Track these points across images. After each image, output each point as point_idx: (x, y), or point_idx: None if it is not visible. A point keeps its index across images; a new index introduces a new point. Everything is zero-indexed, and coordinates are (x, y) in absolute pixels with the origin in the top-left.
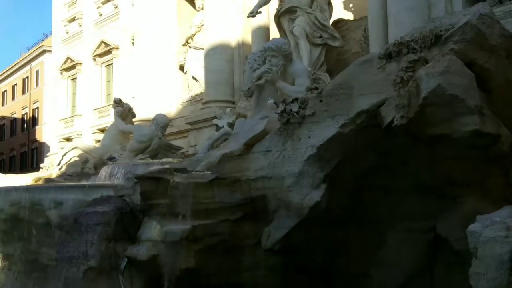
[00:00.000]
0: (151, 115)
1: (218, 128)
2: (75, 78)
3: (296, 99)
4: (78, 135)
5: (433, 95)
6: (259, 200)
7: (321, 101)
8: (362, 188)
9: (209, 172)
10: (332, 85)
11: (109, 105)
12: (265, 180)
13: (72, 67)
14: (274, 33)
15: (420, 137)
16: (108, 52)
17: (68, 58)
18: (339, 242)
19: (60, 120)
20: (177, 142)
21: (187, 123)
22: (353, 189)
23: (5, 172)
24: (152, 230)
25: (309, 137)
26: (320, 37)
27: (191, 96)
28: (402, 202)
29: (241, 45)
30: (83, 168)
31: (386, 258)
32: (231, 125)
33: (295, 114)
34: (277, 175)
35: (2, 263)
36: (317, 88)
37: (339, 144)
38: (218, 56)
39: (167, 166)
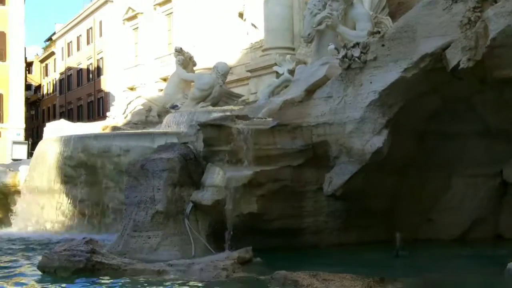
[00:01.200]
0: (211, 63)
1: (278, 75)
2: (137, 28)
3: (357, 44)
4: (141, 84)
5: (503, 35)
6: (320, 146)
7: (383, 45)
8: (426, 134)
9: (270, 119)
10: (395, 28)
11: (170, 54)
12: (326, 126)
13: (134, 17)
14: None
15: (487, 81)
16: (168, 1)
17: (129, 8)
18: (400, 188)
19: (124, 69)
20: (237, 90)
21: (247, 71)
22: (416, 134)
23: (73, 121)
24: (216, 176)
25: (370, 82)
26: None
27: (251, 43)
28: (467, 147)
29: None
30: (147, 116)
31: (450, 203)
32: (291, 71)
33: (356, 59)
34: (339, 121)
35: (72, 208)
36: (379, 32)
37: (401, 89)
38: (277, 2)
39: (228, 113)
